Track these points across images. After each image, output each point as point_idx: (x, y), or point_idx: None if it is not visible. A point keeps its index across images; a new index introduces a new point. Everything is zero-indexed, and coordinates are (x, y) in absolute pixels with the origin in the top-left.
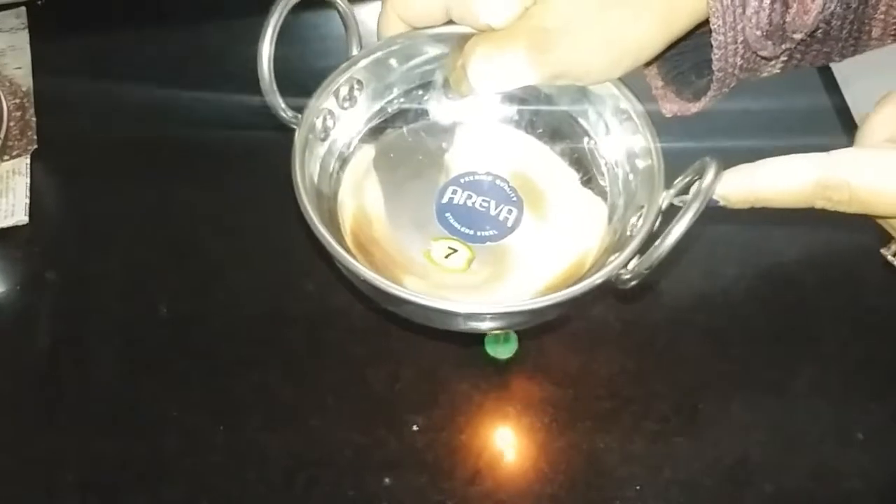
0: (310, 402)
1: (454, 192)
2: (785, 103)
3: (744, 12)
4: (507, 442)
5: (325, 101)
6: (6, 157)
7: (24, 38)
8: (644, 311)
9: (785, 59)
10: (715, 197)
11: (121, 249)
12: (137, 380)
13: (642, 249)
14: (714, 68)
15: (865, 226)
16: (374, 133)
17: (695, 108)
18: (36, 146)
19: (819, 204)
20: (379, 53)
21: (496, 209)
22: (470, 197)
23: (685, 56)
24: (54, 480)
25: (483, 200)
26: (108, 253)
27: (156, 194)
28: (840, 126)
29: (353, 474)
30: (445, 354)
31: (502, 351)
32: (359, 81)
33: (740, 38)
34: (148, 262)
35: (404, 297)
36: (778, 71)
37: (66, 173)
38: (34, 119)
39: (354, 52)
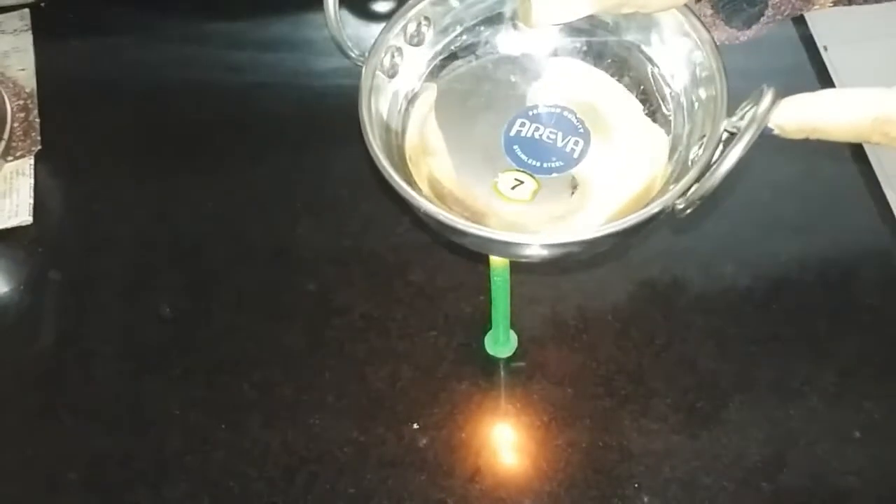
0: (310, 400)
1: (522, 124)
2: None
3: None
4: (506, 440)
5: (393, 38)
6: (10, 158)
7: (27, 39)
8: (643, 311)
9: None
10: (770, 125)
11: (123, 249)
12: (139, 378)
13: (699, 179)
14: None
15: (864, 225)
16: (442, 68)
17: (744, 36)
18: (39, 147)
19: (875, 139)
20: None
21: (563, 141)
22: (537, 129)
23: None
24: (56, 478)
25: (550, 132)
26: (111, 253)
27: (158, 195)
28: None
29: (353, 472)
30: (445, 353)
31: (502, 350)
32: (426, 18)
33: None
34: (150, 262)
35: (461, 229)
36: (830, 5)
37: (69, 174)
38: (38, 120)
39: None
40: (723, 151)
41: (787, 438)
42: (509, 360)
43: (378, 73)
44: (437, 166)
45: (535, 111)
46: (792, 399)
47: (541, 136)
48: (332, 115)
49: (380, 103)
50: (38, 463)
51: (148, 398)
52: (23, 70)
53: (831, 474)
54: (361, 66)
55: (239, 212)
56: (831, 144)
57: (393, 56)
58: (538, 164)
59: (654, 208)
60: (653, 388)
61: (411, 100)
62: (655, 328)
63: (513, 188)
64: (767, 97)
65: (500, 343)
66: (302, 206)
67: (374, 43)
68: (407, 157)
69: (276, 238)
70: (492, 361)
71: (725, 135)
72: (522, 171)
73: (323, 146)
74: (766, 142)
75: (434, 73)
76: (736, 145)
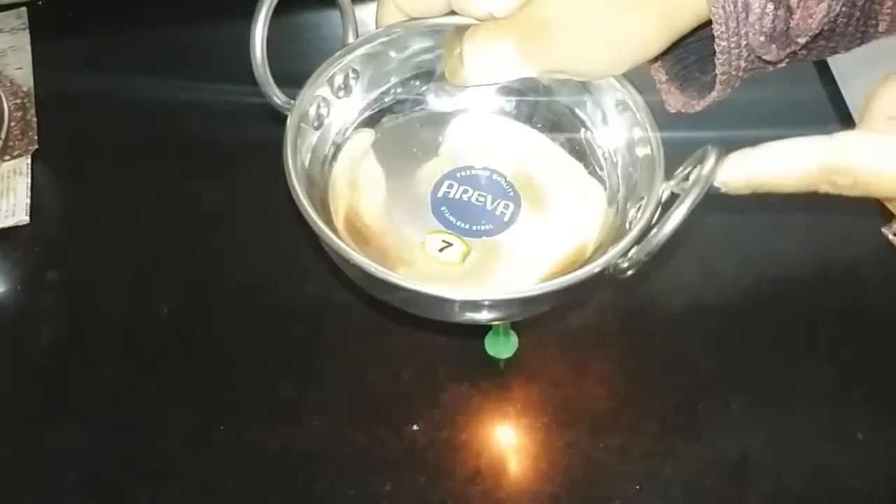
0: (310, 401)
1: (450, 186)
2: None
3: (747, 18)
4: (506, 441)
5: (318, 89)
6: (7, 158)
7: (24, 38)
8: (643, 311)
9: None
10: (716, 184)
11: (121, 249)
12: (138, 379)
13: (640, 239)
14: (717, 72)
15: (864, 225)
16: (370, 123)
17: (698, 105)
18: (37, 146)
19: (823, 188)
20: (375, 42)
21: (493, 204)
22: (466, 192)
23: (690, 49)
24: (55, 479)
25: (479, 195)
26: (109, 252)
27: (156, 194)
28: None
29: (352, 473)
30: (445, 354)
31: (502, 350)
32: (354, 70)
33: (744, 43)
34: (149, 262)
35: (395, 283)
36: (783, 65)
37: (66, 173)
38: (35, 119)
39: (350, 40)
40: (664, 212)
41: (788, 440)
42: (509, 360)
43: (302, 124)
44: (363, 221)
45: (463, 173)
46: (793, 400)
47: (469, 198)
48: None
49: (304, 154)
50: (36, 464)
51: (146, 398)
52: (20, 69)
53: (833, 476)
54: (288, 114)
55: (239, 212)
56: None
57: (319, 107)
58: (467, 226)
59: (595, 268)
60: (653, 389)
61: (336, 152)
62: (656, 329)
63: (441, 250)
64: (711, 157)
65: (500, 343)
66: None
67: (300, 94)
68: (332, 212)
69: (276, 238)
70: (492, 362)
71: (667, 195)
72: (451, 233)
73: None
74: None
75: (361, 128)
76: (679, 206)
